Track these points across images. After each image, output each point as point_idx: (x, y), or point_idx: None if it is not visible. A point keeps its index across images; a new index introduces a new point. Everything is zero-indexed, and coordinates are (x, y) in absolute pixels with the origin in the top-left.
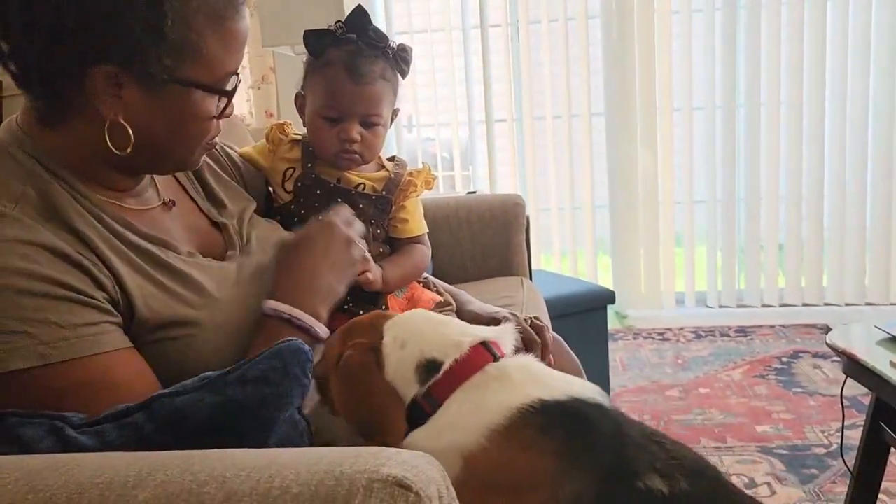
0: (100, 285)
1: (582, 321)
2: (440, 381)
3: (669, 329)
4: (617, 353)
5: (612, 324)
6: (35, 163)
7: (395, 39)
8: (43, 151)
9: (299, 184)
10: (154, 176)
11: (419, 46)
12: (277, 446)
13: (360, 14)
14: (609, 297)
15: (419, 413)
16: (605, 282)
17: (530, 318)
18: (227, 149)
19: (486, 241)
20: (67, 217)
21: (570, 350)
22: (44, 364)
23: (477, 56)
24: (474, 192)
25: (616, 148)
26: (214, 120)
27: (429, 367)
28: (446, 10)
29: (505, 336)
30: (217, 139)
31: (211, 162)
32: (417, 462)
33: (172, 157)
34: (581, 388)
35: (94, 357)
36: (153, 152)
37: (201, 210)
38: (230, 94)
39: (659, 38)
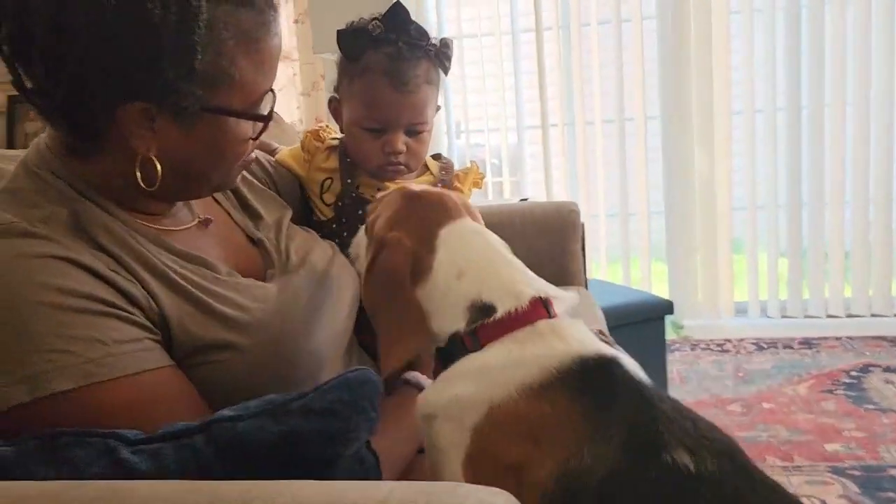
0: (137, 303)
1: (638, 332)
2: (490, 325)
3: (729, 340)
4: (674, 365)
5: (668, 334)
6: (65, 184)
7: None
8: (72, 175)
9: (339, 203)
10: None
11: (469, 52)
12: None
13: (398, 11)
14: (667, 308)
15: (458, 346)
16: (660, 290)
17: (595, 331)
18: (258, 155)
19: (540, 250)
20: (99, 237)
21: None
22: (90, 383)
23: (528, 60)
24: (526, 200)
25: (672, 152)
26: (249, 142)
27: (483, 310)
28: (496, 14)
29: (567, 299)
30: (252, 154)
31: (248, 176)
32: (495, 501)
33: (210, 183)
34: (623, 358)
35: (139, 374)
36: (189, 180)
37: (237, 224)
38: (266, 119)
39: (717, 39)
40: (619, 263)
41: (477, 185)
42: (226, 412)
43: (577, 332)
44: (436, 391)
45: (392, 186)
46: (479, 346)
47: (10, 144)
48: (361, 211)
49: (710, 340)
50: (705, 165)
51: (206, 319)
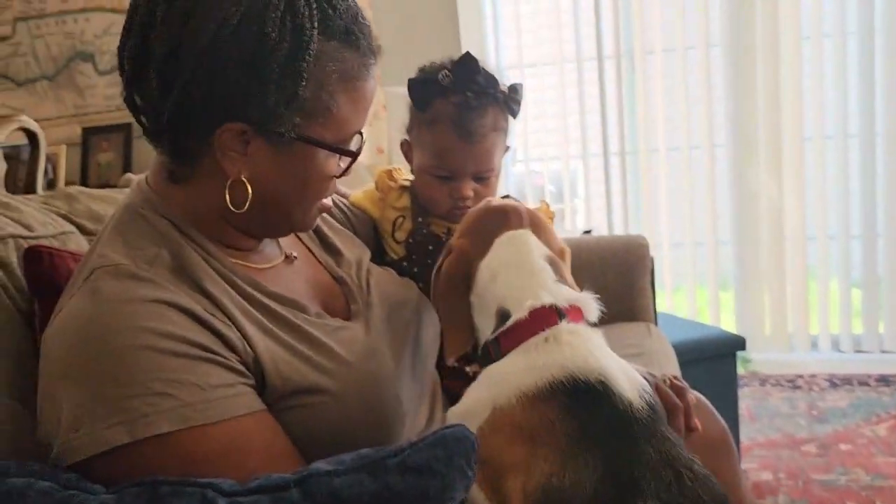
0: (232, 347)
1: (709, 368)
2: (506, 333)
3: (800, 376)
4: (743, 400)
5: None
6: (167, 223)
7: (506, 73)
8: (172, 210)
9: (411, 240)
10: None
11: (529, 80)
12: None
13: (467, 61)
14: (738, 344)
15: (486, 354)
16: (727, 321)
17: (669, 378)
18: (333, 197)
19: (608, 285)
20: (199, 279)
21: (716, 412)
22: (188, 427)
23: (591, 86)
24: (590, 231)
25: (740, 180)
26: (334, 179)
27: (503, 315)
28: (557, 41)
29: (586, 302)
30: (328, 201)
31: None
32: None
33: (290, 218)
34: (624, 379)
35: (233, 420)
36: (271, 212)
37: (319, 261)
38: (355, 155)
39: (786, 65)
40: (683, 292)
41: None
42: (321, 465)
43: (582, 345)
44: (460, 402)
45: None
46: (500, 355)
47: (84, 174)
48: (432, 247)
49: (781, 375)
50: (774, 194)
51: (297, 363)
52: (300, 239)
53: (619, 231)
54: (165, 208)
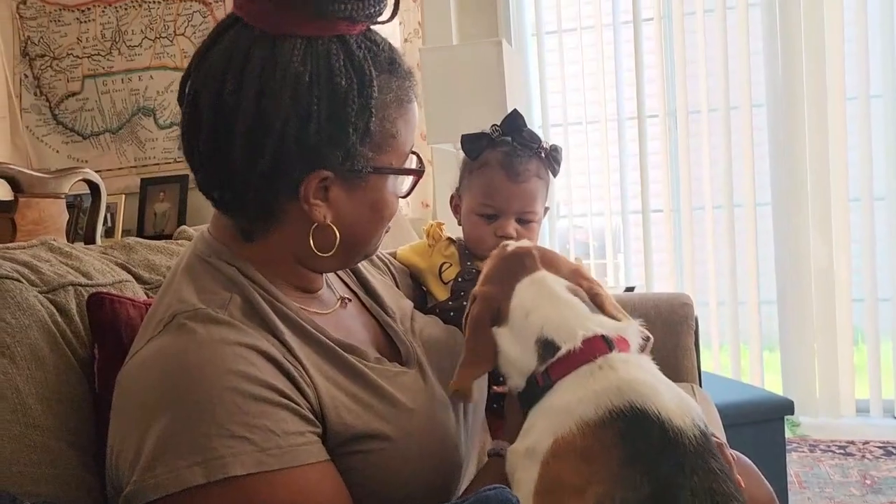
0: (304, 394)
1: (755, 432)
2: (556, 363)
3: (852, 442)
4: (791, 466)
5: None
6: (234, 270)
7: (550, 131)
8: (240, 260)
9: (459, 279)
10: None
11: (573, 137)
12: None
13: (515, 117)
14: (786, 407)
15: (533, 387)
16: (773, 382)
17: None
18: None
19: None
20: (271, 324)
21: (761, 476)
22: (259, 472)
23: (634, 143)
24: (633, 288)
25: (785, 239)
26: (399, 200)
27: (547, 345)
28: (602, 100)
29: (628, 331)
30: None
31: (366, 263)
32: None
33: (366, 246)
34: (677, 407)
35: (301, 468)
36: (353, 244)
37: (366, 307)
38: (421, 172)
39: (832, 125)
40: (727, 351)
41: None
42: None
43: (637, 372)
44: (519, 440)
45: None
46: (550, 384)
47: (140, 223)
48: None
49: (832, 441)
50: (822, 254)
51: (359, 409)
52: (347, 284)
53: (662, 289)
54: (232, 257)
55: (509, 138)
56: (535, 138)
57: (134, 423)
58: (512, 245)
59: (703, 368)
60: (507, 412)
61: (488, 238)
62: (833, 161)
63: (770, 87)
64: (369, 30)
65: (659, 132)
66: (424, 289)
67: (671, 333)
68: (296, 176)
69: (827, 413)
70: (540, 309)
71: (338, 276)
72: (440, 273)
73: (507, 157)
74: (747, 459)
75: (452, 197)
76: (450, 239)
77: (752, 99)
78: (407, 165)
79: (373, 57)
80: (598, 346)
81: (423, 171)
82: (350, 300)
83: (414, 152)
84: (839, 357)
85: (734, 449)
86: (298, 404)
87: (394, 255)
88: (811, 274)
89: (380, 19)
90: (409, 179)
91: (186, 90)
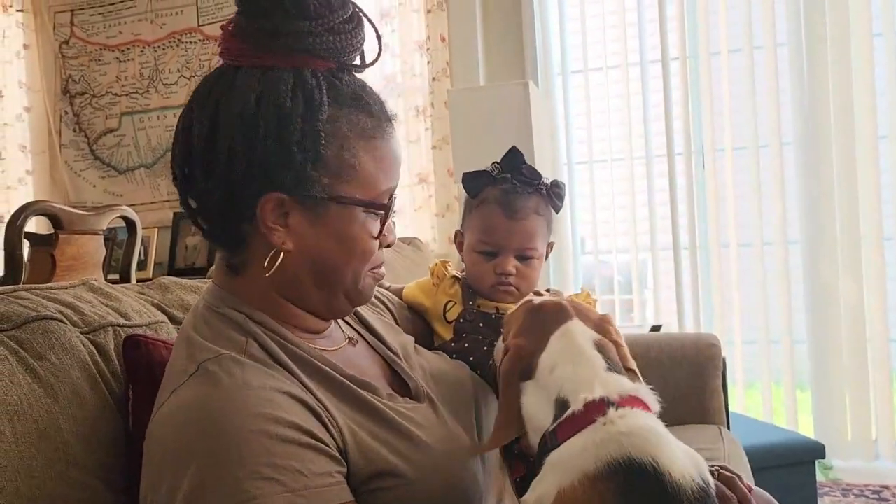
0: (330, 433)
1: (785, 476)
2: (563, 423)
3: (887, 487)
4: None
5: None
6: (244, 317)
7: (576, 168)
8: (244, 304)
9: (461, 320)
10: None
11: (599, 173)
12: None
13: (513, 154)
14: (818, 451)
15: (544, 443)
16: (804, 423)
17: (716, 467)
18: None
19: (678, 384)
20: (287, 366)
21: None
22: None
23: (660, 179)
24: (659, 328)
25: (815, 278)
26: (376, 242)
27: (562, 405)
28: (627, 137)
29: (641, 391)
30: (382, 269)
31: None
32: None
33: (344, 286)
34: (677, 462)
35: None
36: (323, 279)
37: (370, 345)
38: (387, 209)
39: (862, 162)
40: (756, 390)
41: None
42: None
43: (636, 426)
44: (528, 494)
45: (510, 306)
46: (556, 445)
47: (172, 255)
48: (482, 324)
49: (865, 485)
50: (853, 293)
51: (378, 446)
52: (351, 325)
53: (689, 325)
54: (237, 303)
55: (509, 175)
56: (535, 174)
57: (166, 472)
58: (539, 299)
59: (731, 408)
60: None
61: (488, 275)
62: (863, 199)
63: (798, 124)
64: (344, 70)
65: (684, 170)
66: (430, 327)
67: (698, 375)
68: (249, 196)
69: (860, 456)
70: (563, 365)
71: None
72: (444, 312)
73: (505, 195)
74: (768, 495)
75: (456, 234)
76: (455, 277)
77: (781, 137)
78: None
79: (330, 88)
80: (599, 409)
81: (388, 209)
82: (358, 340)
83: (392, 196)
84: (872, 398)
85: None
86: (326, 444)
87: (400, 291)
88: (841, 313)
89: (345, 58)
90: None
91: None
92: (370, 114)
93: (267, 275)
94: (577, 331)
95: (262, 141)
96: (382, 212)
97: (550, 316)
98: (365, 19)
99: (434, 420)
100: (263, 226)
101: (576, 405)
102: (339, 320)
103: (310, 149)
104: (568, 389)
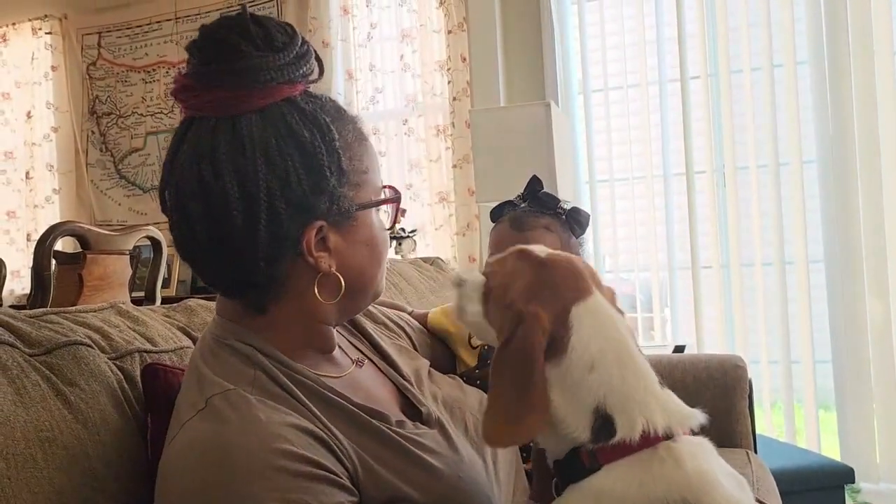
0: (342, 463)
1: (813, 501)
2: (608, 449)
3: None
4: None
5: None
6: (252, 349)
7: (598, 186)
8: (254, 336)
9: (486, 347)
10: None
11: (620, 191)
12: None
13: (533, 182)
14: (846, 475)
15: (576, 463)
16: (829, 444)
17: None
18: (390, 311)
19: (704, 407)
20: (297, 396)
21: None
22: None
23: (680, 196)
24: (683, 348)
25: (839, 297)
26: (388, 233)
27: (604, 420)
28: (648, 155)
29: (695, 418)
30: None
31: (373, 322)
32: None
33: (372, 285)
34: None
35: None
36: (360, 286)
37: (380, 369)
38: (397, 197)
39: (887, 179)
40: (779, 410)
41: None
42: None
43: (695, 462)
44: None
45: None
46: (596, 468)
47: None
48: None
49: None
50: (878, 311)
51: (388, 474)
52: (359, 349)
53: (710, 344)
54: (246, 335)
55: (527, 201)
56: (552, 200)
57: None
58: (539, 250)
59: (757, 430)
60: (534, 469)
61: None
62: (888, 216)
63: (821, 142)
64: (307, 89)
65: (706, 187)
66: (454, 353)
67: (724, 397)
68: (294, 235)
69: (889, 479)
70: (606, 367)
71: (349, 341)
72: (469, 338)
73: (517, 215)
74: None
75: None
76: None
77: (803, 155)
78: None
79: (320, 107)
80: (655, 440)
81: (399, 196)
82: (364, 361)
83: (388, 186)
84: None
85: None
86: (338, 475)
87: (425, 316)
88: (867, 332)
89: (311, 78)
90: (390, 209)
91: (167, 198)
92: (351, 119)
93: (323, 300)
94: (608, 312)
95: (296, 178)
96: (397, 202)
97: (565, 281)
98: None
99: (444, 445)
100: (310, 256)
101: (628, 432)
102: (343, 342)
103: (335, 169)
104: (615, 404)
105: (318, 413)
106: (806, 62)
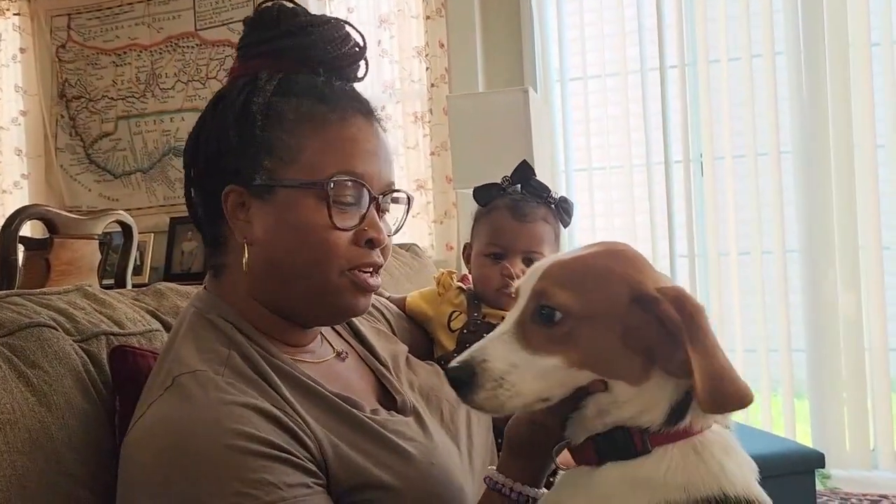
0: (305, 447)
1: (784, 486)
2: (663, 434)
3: (885, 496)
4: None
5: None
6: (231, 327)
7: (574, 175)
8: (230, 310)
9: (465, 330)
10: (322, 329)
11: (598, 180)
12: None
13: (524, 168)
14: (817, 461)
15: (624, 442)
16: (803, 431)
17: None
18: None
19: None
20: (269, 378)
21: None
22: None
23: (659, 186)
24: None
25: (813, 287)
26: (341, 233)
27: (677, 413)
28: (626, 145)
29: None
30: (373, 280)
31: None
32: None
33: (311, 282)
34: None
35: None
36: (289, 274)
37: (361, 357)
38: (327, 195)
39: (861, 170)
40: (756, 398)
41: None
42: None
43: (729, 461)
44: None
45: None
46: (647, 450)
47: (168, 260)
48: (486, 333)
49: (864, 495)
50: (849, 301)
51: (361, 459)
52: (343, 337)
53: None
54: (223, 310)
55: (518, 186)
56: (543, 188)
57: (138, 493)
58: (611, 245)
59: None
60: (506, 442)
61: (494, 278)
62: (861, 208)
63: (797, 133)
64: (319, 72)
65: (683, 177)
66: (433, 337)
67: None
68: (215, 191)
69: (859, 465)
70: None
71: (334, 330)
72: (449, 322)
73: (514, 201)
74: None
75: (465, 247)
76: (460, 288)
77: (780, 145)
78: (345, 198)
79: (282, 81)
80: (697, 431)
81: (325, 187)
82: (347, 354)
83: (354, 178)
84: (871, 407)
85: None
86: (299, 457)
87: (403, 300)
88: (839, 321)
89: (291, 56)
90: (352, 216)
91: None
92: (324, 101)
93: (245, 269)
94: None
95: (214, 135)
96: (324, 193)
97: (655, 274)
98: (340, 22)
99: (418, 432)
100: (230, 220)
101: (700, 422)
102: (329, 334)
103: (245, 134)
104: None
105: (290, 397)
106: (783, 53)
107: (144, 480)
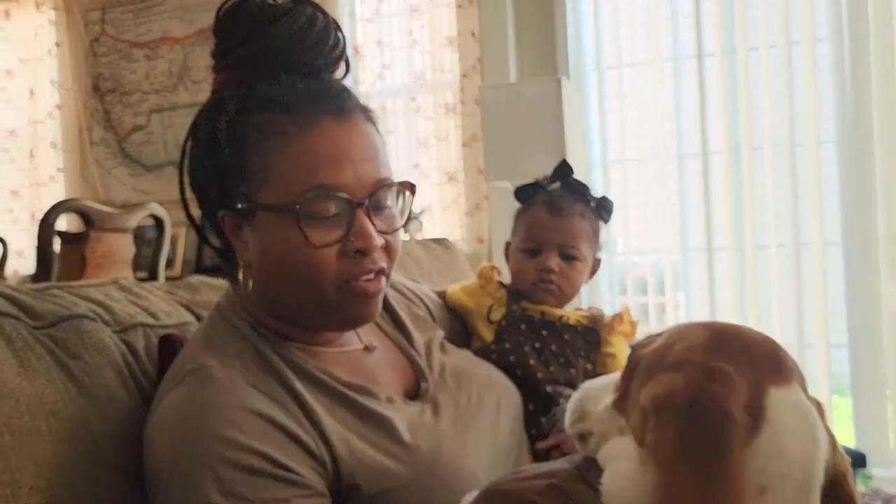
0: (308, 451)
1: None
2: None
3: None
4: None
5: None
6: (246, 324)
7: (610, 166)
8: (246, 310)
9: (503, 322)
10: None
11: (632, 171)
12: None
13: (563, 167)
14: (858, 460)
15: None
16: (843, 428)
17: None
18: (409, 282)
19: None
20: (282, 373)
21: None
22: None
23: (696, 177)
24: None
25: (856, 280)
26: (323, 250)
27: None
28: (662, 135)
29: None
30: (375, 286)
31: (393, 290)
32: None
33: (307, 299)
34: None
35: None
36: (287, 293)
37: (393, 341)
38: (297, 216)
39: None
40: None
41: (626, 335)
42: None
43: None
44: None
45: (553, 309)
46: None
47: (199, 254)
48: (524, 326)
49: None
50: (894, 297)
51: (370, 450)
52: (380, 328)
53: None
54: (242, 309)
55: (558, 184)
56: (583, 187)
57: (160, 479)
58: (726, 324)
59: None
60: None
61: (530, 272)
62: None
63: (839, 123)
64: (279, 75)
65: (721, 168)
66: (471, 330)
67: None
68: (211, 215)
69: None
70: (782, 493)
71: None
72: (488, 314)
73: (552, 197)
74: None
75: (506, 246)
76: (501, 283)
77: (820, 135)
78: (326, 210)
79: (244, 97)
80: None
81: (292, 208)
82: (376, 347)
83: (331, 190)
84: None
85: None
86: (290, 469)
87: (443, 293)
88: (882, 316)
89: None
90: (336, 228)
91: None
92: (286, 110)
93: (250, 288)
94: (813, 416)
95: (194, 165)
96: (294, 214)
97: (768, 359)
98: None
99: (428, 421)
100: (233, 243)
101: None
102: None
103: (214, 160)
104: None
105: (301, 391)
106: (825, 39)
107: (160, 470)
